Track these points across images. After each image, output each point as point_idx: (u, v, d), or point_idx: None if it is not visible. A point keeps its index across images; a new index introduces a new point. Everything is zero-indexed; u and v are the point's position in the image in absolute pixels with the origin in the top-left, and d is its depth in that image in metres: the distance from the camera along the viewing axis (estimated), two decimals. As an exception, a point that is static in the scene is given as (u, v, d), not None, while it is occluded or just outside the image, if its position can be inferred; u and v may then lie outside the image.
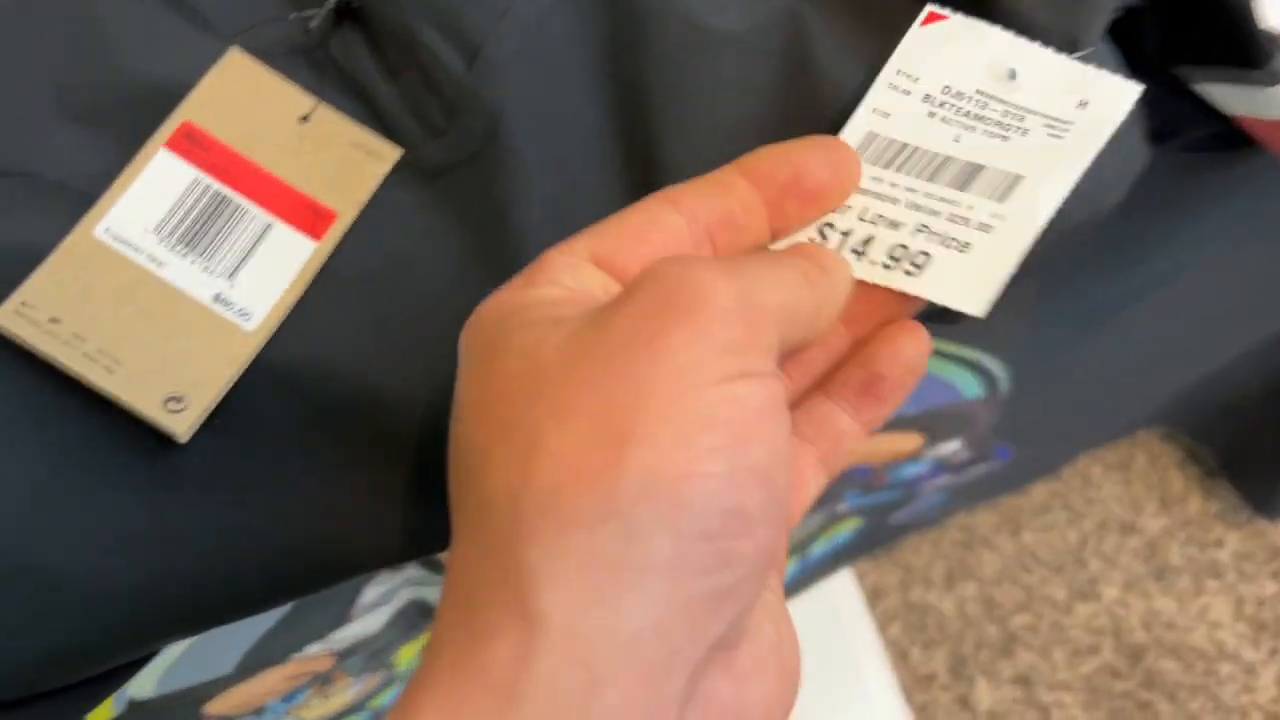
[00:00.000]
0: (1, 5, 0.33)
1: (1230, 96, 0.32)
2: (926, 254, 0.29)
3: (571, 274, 0.25)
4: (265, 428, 0.31)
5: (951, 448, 0.68)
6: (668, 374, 0.21)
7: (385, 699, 0.68)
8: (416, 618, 0.63)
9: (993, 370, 0.57)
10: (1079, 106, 0.29)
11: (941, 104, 0.30)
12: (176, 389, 0.30)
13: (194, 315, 0.30)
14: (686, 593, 0.21)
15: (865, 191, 0.30)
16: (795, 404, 0.29)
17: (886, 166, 0.30)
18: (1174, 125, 0.34)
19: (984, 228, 0.29)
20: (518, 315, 0.24)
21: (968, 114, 0.30)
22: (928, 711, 0.94)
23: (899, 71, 0.31)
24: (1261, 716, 0.94)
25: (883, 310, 0.29)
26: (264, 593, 0.33)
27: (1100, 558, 1.00)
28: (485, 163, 0.32)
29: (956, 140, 0.30)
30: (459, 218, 0.32)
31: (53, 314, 0.29)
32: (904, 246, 0.29)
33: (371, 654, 0.63)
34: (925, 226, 0.29)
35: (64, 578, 0.30)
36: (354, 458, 0.31)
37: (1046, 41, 0.30)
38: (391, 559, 0.32)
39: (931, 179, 0.30)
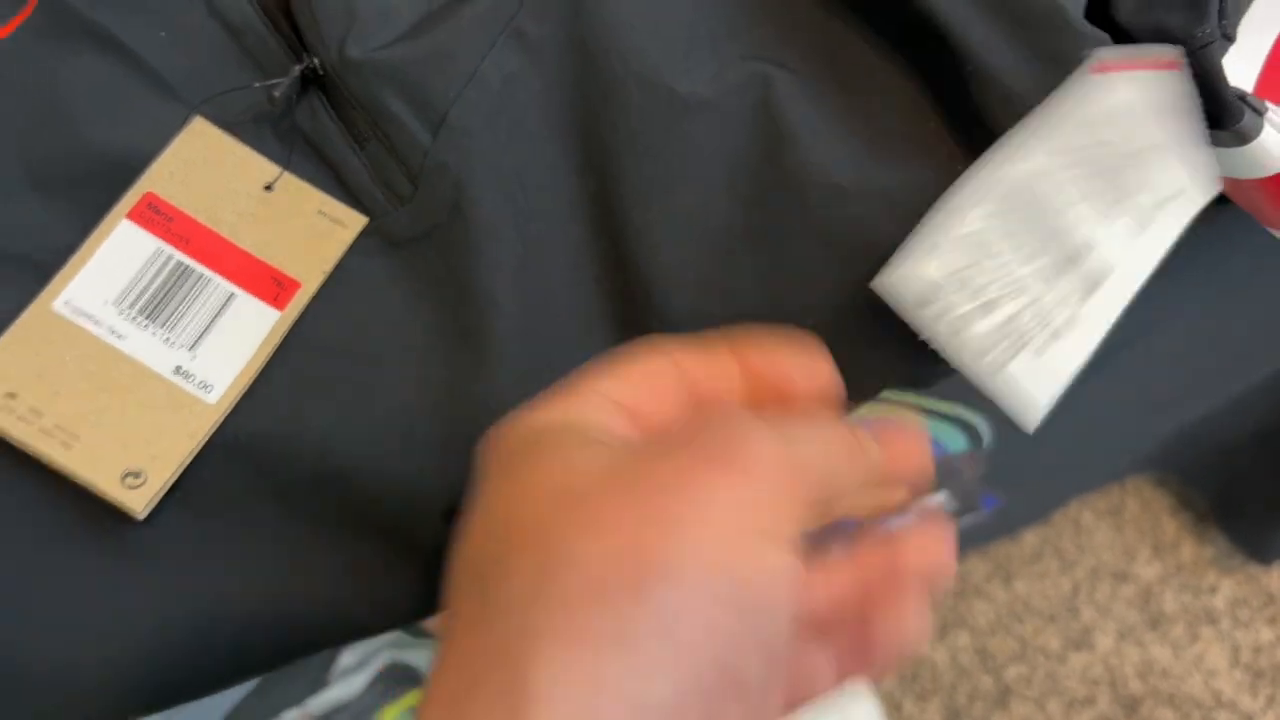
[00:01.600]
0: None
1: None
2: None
3: (601, 409, 0.25)
4: (227, 501, 0.30)
5: (936, 500, 0.67)
6: (703, 518, 0.21)
7: (367, 765, 0.67)
8: (397, 680, 0.62)
9: (975, 424, 0.56)
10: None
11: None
12: (135, 464, 0.29)
13: (154, 388, 0.30)
14: None
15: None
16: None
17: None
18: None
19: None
20: (554, 435, 0.24)
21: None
22: (922, 765, 0.93)
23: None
24: (1261, 766, 0.92)
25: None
26: (230, 668, 0.32)
27: (1094, 606, 0.99)
28: (451, 231, 0.32)
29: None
30: (425, 287, 0.32)
31: (9, 389, 0.29)
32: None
33: (353, 716, 0.62)
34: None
35: (28, 667, 0.29)
36: (318, 531, 0.31)
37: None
38: (357, 632, 0.32)
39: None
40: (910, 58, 0.31)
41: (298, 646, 0.32)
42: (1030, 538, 1.01)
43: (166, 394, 0.30)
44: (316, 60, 0.33)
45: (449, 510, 0.30)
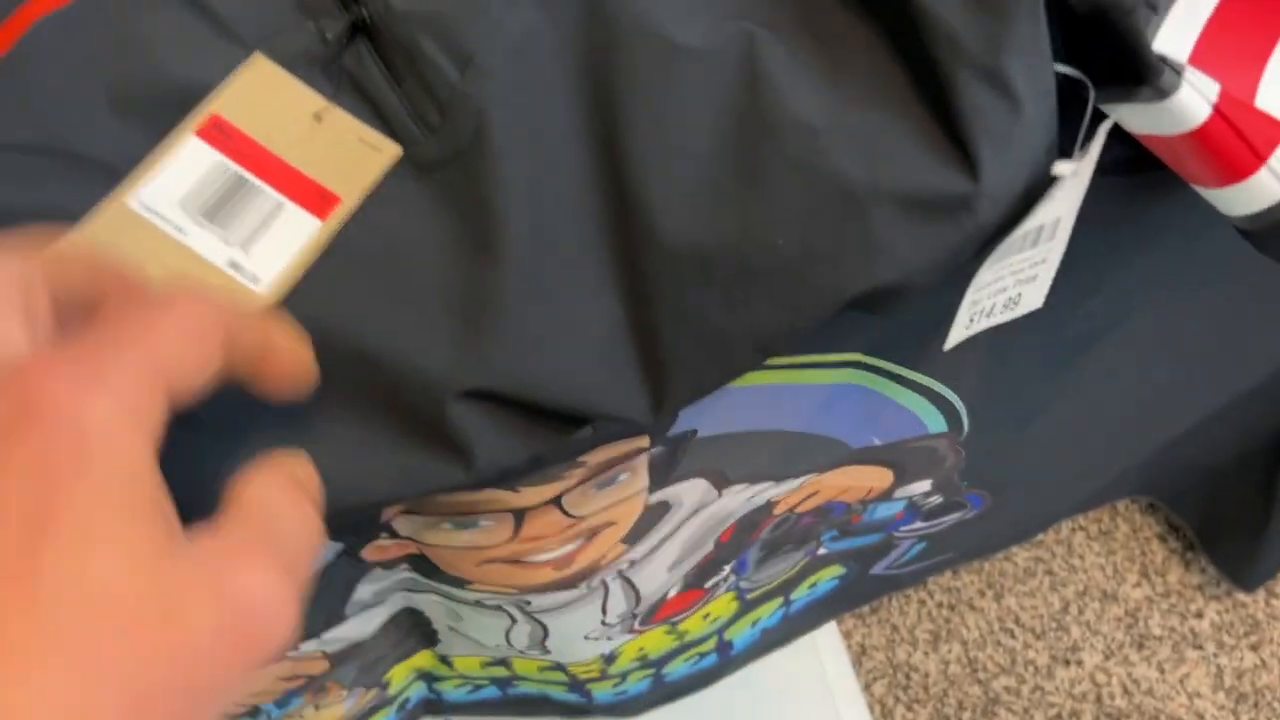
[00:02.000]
0: (65, 15, 0.38)
1: (1132, 116, 0.37)
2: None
3: None
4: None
5: (922, 488, 0.71)
6: None
7: (379, 721, 0.70)
8: (406, 632, 0.65)
9: (954, 404, 0.60)
10: None
11: None
12: None
13: (211, 278, 0.35)
14: None
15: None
16: None
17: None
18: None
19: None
20: None
21: None
22: (909, 770, 0.95)
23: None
24: (1241, 785, 0.94)
25: None
26: None
27: (1082, 624, 1.02)
28: (473, 157, 0.36)
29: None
30: (448, 203, 0.36)
31: None
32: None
33: (364, 667, 0.65)
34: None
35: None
36: (348, 407, 0.35)
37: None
38: (383, 498, 0.36)
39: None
40: (876, 19, 0.36)
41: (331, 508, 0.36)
42: (1022, 556, 1.04)
43: (222, 283, 0.35)
44: (365, 10, 0.38)
45: (462, 392, 0.35)
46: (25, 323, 0.25)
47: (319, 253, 0.36)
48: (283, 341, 0.30)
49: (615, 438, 0.43)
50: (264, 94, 0.37)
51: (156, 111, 0.37)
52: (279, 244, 0.35)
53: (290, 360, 0.31)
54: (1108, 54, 0.35)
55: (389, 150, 0.37)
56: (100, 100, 0.37)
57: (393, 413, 0.35)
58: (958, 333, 0.41)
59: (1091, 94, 0.36)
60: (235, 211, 0.36)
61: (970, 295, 0.38)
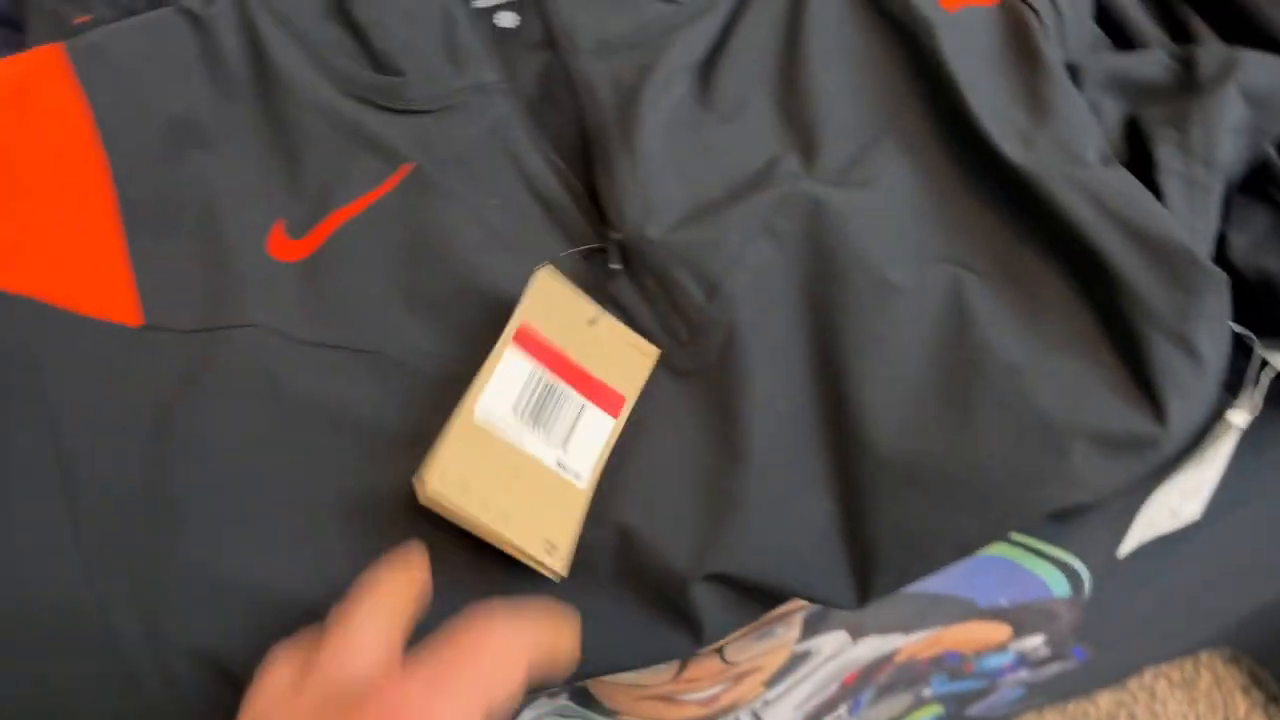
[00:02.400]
0: (364, 219, 0.45)
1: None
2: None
3: None
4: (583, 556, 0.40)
5: (1034, 643, 0.75)
6: None
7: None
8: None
9: (1079, 572, 0.65)
10: None
11: None
12: (549, 535, 0.39)
13: (547, 477, 0.40)
14: None
15: None
16: None
17: None
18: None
19: None
20: None
21: None
22: None
23: None
24: None
25: None
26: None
27: (1164, 771, 1.04)
28: (720, 371, 0.43)
29: None
30: (698, 410, 0.43)
31: (464, 480, 0.39)
32: None
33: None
34: None
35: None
36: (600, 578, 0.41)
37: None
38: (621, 666, 0.41)
39: None
40: (1070, 268, 0.42)
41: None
42: (1106, 700, 1.07)
43: (555, 481, 0.40)
44: (618, 235, 0.45)
45: (704, 576, 0.40)
46: (405, 633, 0.35)
47: (612, 446, 0.42)
48: (566, 645, 0.37)
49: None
50: (553, 303, 0.43)
51: (442, 310, 0.44)
52: (588, 441, 0.41)
53: (567, 660, 0.38)
54: (1271, 312, 0.41)
55: (651, 353, 0.43)
56: (395, 297, 0.44)
57: (639, 586, 0.41)
58: (1129, 544, 0.47)
59: (1256, 345, 0.42)
60: (553, 414, 0.42)
61: (1143, 513, 0.44)
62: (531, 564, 0.39)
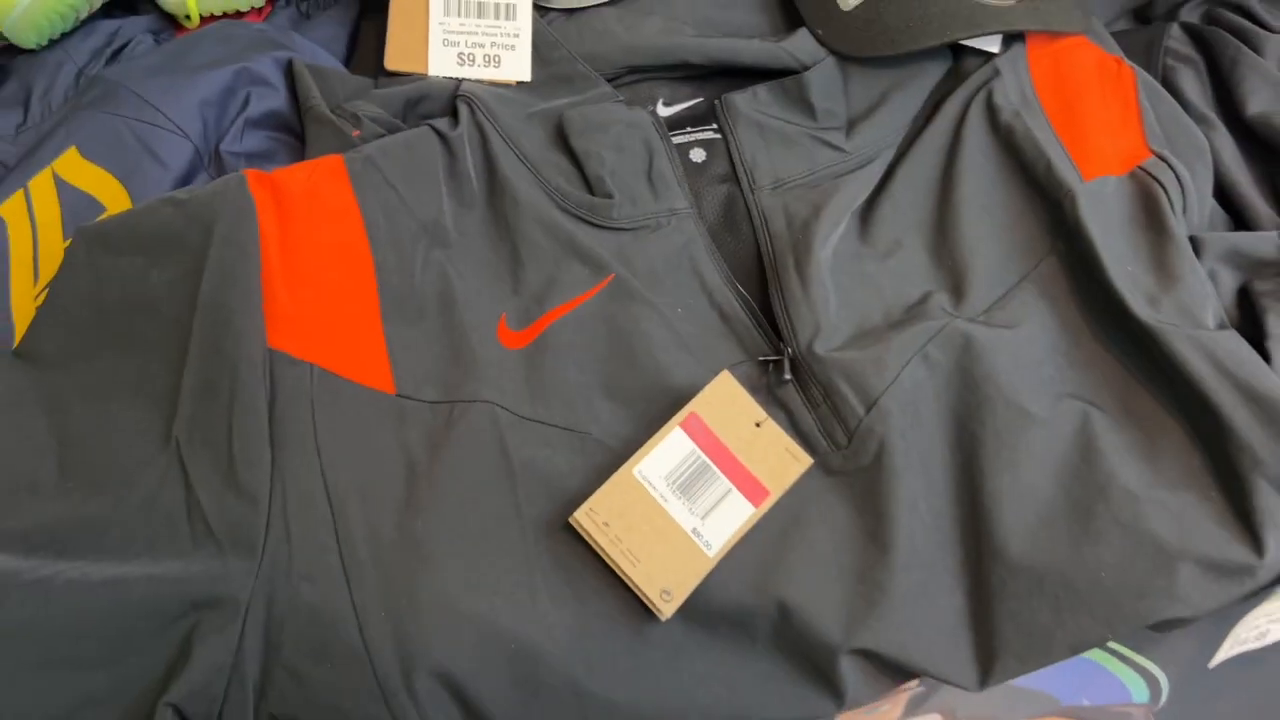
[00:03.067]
0: (573, 318, 0.53)
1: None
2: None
3: None
4: (717, 618, 0.48)
5: (1109, 748, 0.80)
6: None
7: None
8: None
9: (1160, 682, 0.70)
10: None
11: None
12: (668, 585, 0.47)
13: (681, 538, 0.48)
14: None
15: None
16: None
17: None
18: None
19: None
20: None
21: None
22: None
23: None
24: None
25: None
26: None
27: None
28: (872, 473, 0.50)
29: None
30: (850, 506, 0.50)
31: (606, 519, 0.47)
32: None
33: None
34: None
35: (604, 697, 0.46)
36: (762, 643, 0.48)
37: None
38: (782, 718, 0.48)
39: None
40: (1186, 415, 0.49)
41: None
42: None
43: (686, 543, 0.48)
44: (790, 349, 0.53)
45: (852, 650, 0.47)
46: None
47: (748, 530, 0.49)
48: None
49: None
50: (725, 403, 0.51)
51: (636, 401, 0.52)
52: (726, 520, 0.49)
53: None
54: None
55: (805, 460, 0.51)
56: (597, 387, 0.52)
57: (793, 653, 0.48)
58: (1219, 657, 0.53)
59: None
60: (700, 490, 0.49)
61: (1234, 630, 0.50)
62: (647, 603, 0.47)
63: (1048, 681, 0.68)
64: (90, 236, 0.50)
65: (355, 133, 0.56)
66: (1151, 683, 0.71)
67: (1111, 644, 0.64)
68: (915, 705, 0.64)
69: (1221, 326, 0.51)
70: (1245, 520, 0.46)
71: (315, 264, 0.51)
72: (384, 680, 0.44)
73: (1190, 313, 0.50)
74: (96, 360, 0.49)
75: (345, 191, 0.53)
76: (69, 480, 0.47)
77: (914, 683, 0.60)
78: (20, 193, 0.53)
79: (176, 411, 0.47)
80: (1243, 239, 0.53)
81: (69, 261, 0.50)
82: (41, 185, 0.53)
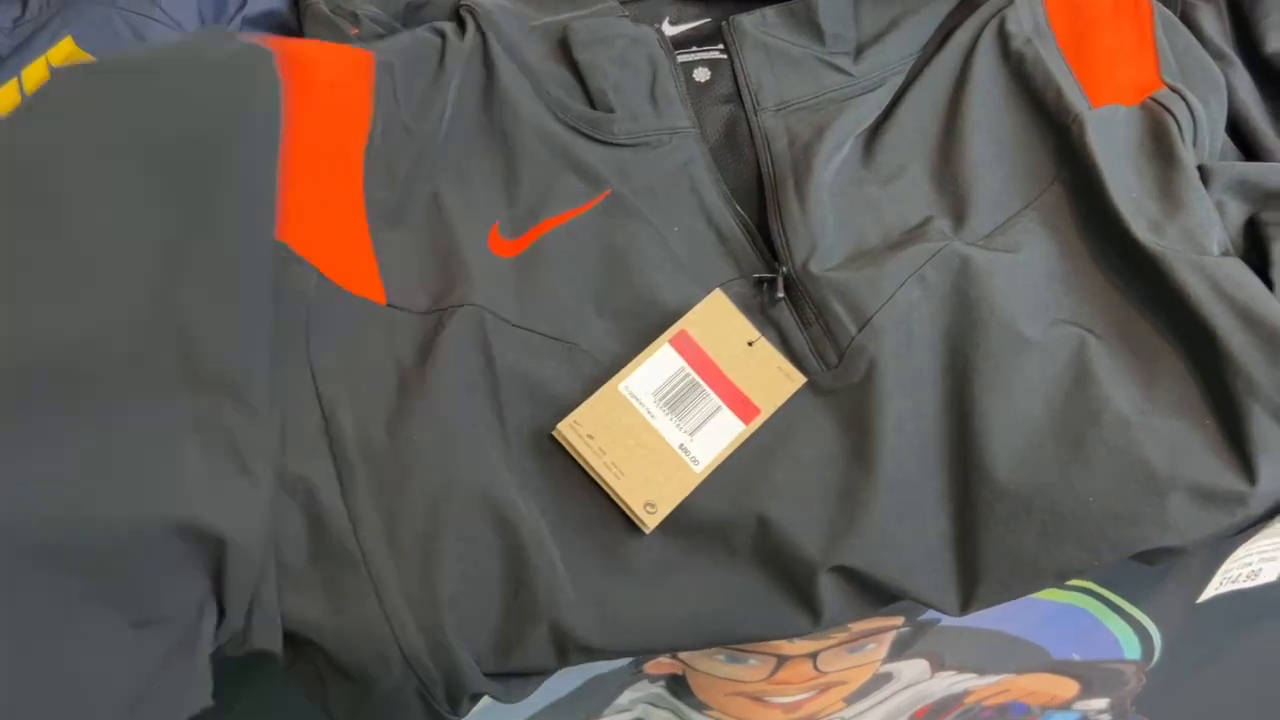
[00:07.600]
0: (566, 230, 0.53)
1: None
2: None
3: None
4: (697, 532, 0.47)
5: (1098, 705, 0.79)
6: None
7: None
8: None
9: (1153, 637, 0.69)
10: None
11: None
12: (653, 498, 0.46)
13: (667, 454, 0.48)
14: None
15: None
16: None
17: None
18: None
19: None
20: None
21: None
22: None
23: None
24: None
25: None
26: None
27: None
28: (861, 391, 0.49)
29: None
30: (837, 424, 0.49)
31: (590, 432, 0.47)
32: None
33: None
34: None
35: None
36: (740, 557, 0.47)
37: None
38: (746, 638, 0.48)
39: None
40: (1184, 340, 0.48)
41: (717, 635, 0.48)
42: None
43: (673, 459, 0.48)
44: (785, 268, 0.52)
45: (831, 567, 0.47)
46: None
47: (737, 446, 0.49)
48: None
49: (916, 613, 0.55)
50: (717, 321, 0.50)
51: (627, 317, 0.51)
52: (714, 437, 0.48)
53: None
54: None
55: (797, 379, 0.50)
56: (588, 300, 0.52)
57: (771, 568, 0.47)
58: (1207, 593, 0.52)
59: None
60: (688, 407, 0.49)
61: (1224, 566, 0.49)
62: (631, 515, 0.47)
63: (1038, 631, 0.68)
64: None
65: (354, 31, 0.55)
66: (1144, 638, 0.70)
67: (1103, 591, 0.63)
68: (901, 648, 0.63)
69: (1225, 254, 0.50)
70: (1239, 448, 0.46)
71: (311, 160, 0.50)
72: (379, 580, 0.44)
73: (1194, 239, 0.49)
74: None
75: (365, 94, 0.52)
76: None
77: (899, 620, 0.59)
78: (14, 81, 0.52)
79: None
80: (1251, 169, 0.52)
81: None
82: (35, 74, 0.53)
